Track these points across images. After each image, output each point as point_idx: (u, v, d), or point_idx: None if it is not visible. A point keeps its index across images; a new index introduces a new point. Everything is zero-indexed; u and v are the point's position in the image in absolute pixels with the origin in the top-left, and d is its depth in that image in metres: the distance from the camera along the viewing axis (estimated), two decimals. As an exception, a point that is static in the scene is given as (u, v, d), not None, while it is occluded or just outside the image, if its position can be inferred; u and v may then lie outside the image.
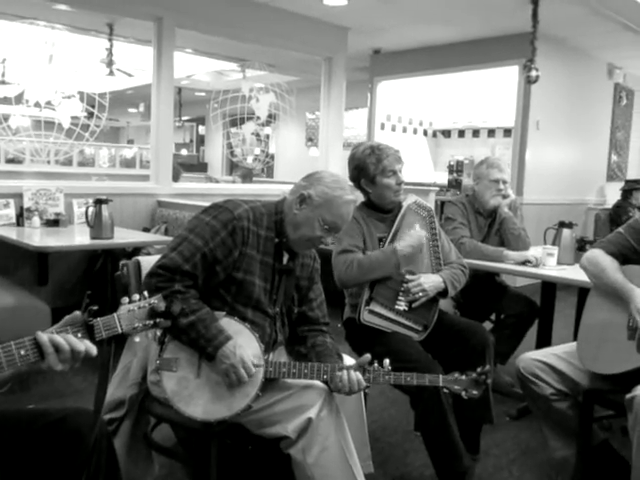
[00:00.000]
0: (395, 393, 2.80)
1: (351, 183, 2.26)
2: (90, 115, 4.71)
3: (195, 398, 1.66)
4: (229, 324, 1.69)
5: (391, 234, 2.35)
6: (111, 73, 6.16)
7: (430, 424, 2.06)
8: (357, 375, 1.67)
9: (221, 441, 1.77)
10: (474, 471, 2.22)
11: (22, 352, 1.14)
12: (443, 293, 2.33)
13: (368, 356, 1.72)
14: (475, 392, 1.81)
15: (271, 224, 1.80)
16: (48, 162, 5.90)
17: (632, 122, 7.53)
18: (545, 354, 2.14)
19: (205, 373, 1.68)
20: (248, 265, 1.74)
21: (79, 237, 3.55)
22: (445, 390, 1.84)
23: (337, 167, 5.77)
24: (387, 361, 1.73)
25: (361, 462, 1.77)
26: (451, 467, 2.05)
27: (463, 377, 1.81)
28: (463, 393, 1.80)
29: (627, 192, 6.01)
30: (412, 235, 2.31)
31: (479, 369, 1.82)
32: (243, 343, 1.66)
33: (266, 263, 1.79)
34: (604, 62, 6.78)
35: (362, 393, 1.85)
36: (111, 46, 6.02)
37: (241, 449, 2.04)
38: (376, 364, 1.71)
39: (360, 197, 2.36)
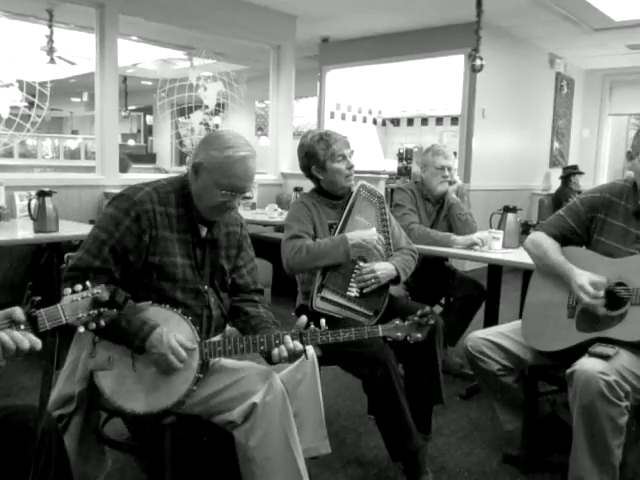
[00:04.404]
0: (348, 378, 2.83)
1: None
2: (31, 105, 4.53)
3: (134, 392, 1.64)
4: (157, 312, 1.66)
5: (342, 220, 2.38)
6: (52, 61, 5.95)
7: (382, 406, 2.10)
8: (294, 344, 1.66)
9: (174, 433, 1.76)
10: (426, 450, 2.29)
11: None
12: (395, 280, 2.38)
13: (304, 318, 1.72)
14: (419, 335, 1.74)
15: (180, 200, 1.76)
16: (-14, 154, 5.67)
17: (572, 110, 7.80)
18: (491, 332, 2.21)
19: (140, 366, 1.65)
20: (164, 247, 1.71)
21: (22, 231, 3.43)
22: (389, 339, 1.78)
23: (288, 156, 5.76)
24: (323, 321, 1.72)
25: (318, 443, 1.80)
26: (403, 447, 2.09)
27: (404, 323, 1.76)
28: (408, 338, 1.75)
29: (565, 178, 6.24)
30: (364, 230, 2.33)
31: (419, 312, 1.76)
32: (173, 328, 1.64)
33: (185, 240, 1.77)
34: (546, 52, 6.98)
35: (317, 375, 1.86)
36: (51, 33, 5.80)
37: (195, 440, 2.03)
38: (312, 325, 1.69)
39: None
